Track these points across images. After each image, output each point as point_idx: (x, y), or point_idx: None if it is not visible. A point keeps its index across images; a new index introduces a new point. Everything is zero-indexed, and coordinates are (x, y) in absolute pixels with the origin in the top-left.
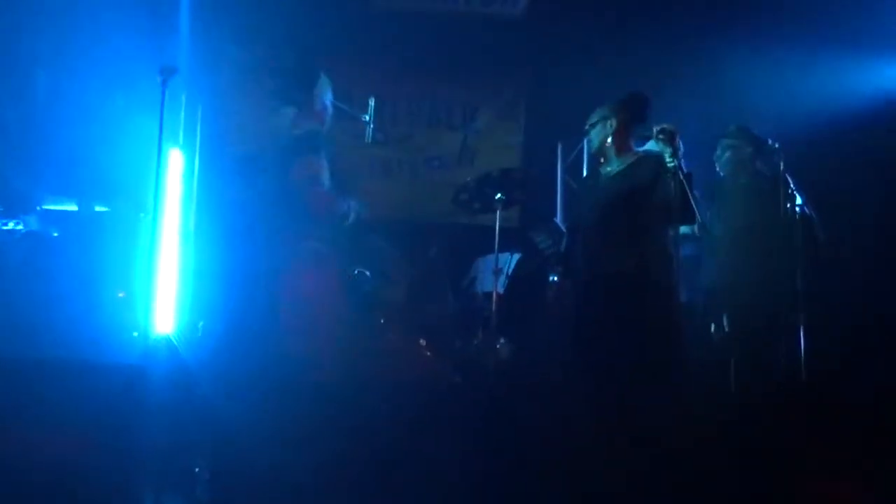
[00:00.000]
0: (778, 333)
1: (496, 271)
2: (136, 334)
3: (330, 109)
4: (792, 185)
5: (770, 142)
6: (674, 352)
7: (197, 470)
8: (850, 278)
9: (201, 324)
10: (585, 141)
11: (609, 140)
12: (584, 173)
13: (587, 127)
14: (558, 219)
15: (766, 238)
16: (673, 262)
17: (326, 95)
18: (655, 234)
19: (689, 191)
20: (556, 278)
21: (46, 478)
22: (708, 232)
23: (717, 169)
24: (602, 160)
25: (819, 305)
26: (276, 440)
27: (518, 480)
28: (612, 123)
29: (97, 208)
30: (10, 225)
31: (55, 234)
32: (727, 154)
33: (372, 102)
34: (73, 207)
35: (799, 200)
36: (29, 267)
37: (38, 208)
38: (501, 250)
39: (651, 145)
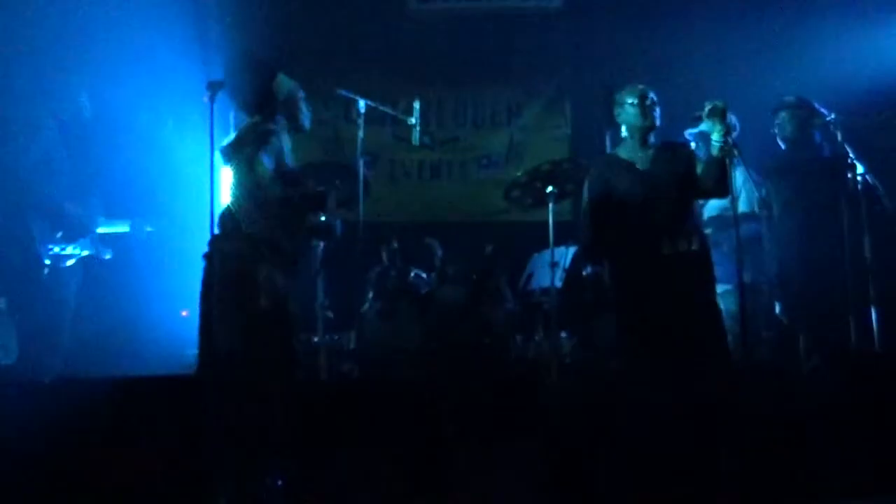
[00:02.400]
0: (848, 308)
1: (553, 265)
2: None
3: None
4: (852, 156)
5: (828, 113)
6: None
7: (268, 480)
8: None
9: None
10: (622, 114)
11: (647, 121)
12: (606, 156)
13: (634, 97)
14: None
15: (831, 211)
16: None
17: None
18: (693, 214)
19: (727, 166)
20: (589, 269)
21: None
22: (769, 208)
23: (779, 141)
24: (631, 144)
25: (889, 277)
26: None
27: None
28: (657, 106)
29: (147, 228)
30: (69, 250)
31: (108, 257)
32: (790, 126)
33: (417, 105)
34: (126, 228)
35: (860, 170)
36: (90, 290)
37: (93, 232)
38: (557, 244)
39: (703, 124)
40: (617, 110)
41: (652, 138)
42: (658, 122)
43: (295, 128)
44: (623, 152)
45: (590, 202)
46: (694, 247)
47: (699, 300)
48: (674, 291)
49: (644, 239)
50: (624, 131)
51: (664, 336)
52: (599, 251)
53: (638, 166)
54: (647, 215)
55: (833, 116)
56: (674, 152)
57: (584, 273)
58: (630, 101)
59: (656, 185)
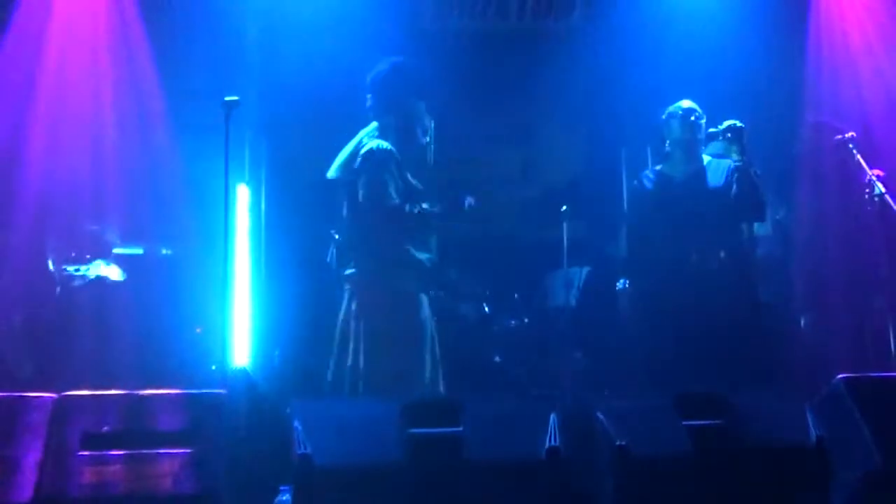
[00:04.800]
0: (865, 320)
1: (567, 285)
2: (214, 367)
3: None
4: (869, 173)
5: (843, 131)
6: (762, 350)
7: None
8: None
9: (277, 353)
10: (665, 130)
11: (690, 137)
12: (646, 172)
13: (672, 117)
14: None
15: (846, 226)
16: (752, 260)
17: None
18: (732, 231)
19: (758, 187)
20: (626, 283)
21: None
22: (784, 229)
23: (796, 163)
24: (673, 158)
25: None
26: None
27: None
28: (698, 120)
29: (164, 251)
30: (83, 270)
31: (124, 277)
32: (807, 148)
33: (431, 124)
34: (140, 251)
35: (878, 190)
36: (105, 308)
37: (109, 253)
38: (571, 263)
39: (718, 143)
40: (662, 125)
41: (696, 154)
42: (701, 137)
43: (409, 136)
44: (665, 167)
45: (629, 217)
46: (727, 261)
47: (734, 315)
48: (705, 306)
49: (678, 253)
50: (668, 146)
51: (693, 357)
52: (636, 265)
53: (679, 181)
54: (684, 230)
55: (850, 133)
56: (716, 168)
57: (617, 287)
58: (674, 116)
59: (696, 201)
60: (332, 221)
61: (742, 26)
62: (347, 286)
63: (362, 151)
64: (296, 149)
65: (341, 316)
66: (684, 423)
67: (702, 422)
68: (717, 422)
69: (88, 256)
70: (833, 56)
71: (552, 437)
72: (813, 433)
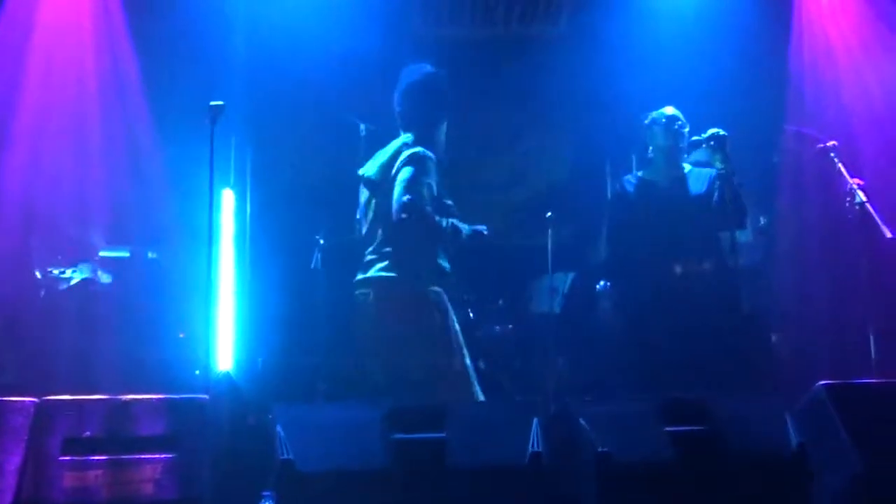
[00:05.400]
0: (846, 328)
1: (551, 291)
2: (198, 372)
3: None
4: (850, 182)
5: (825, 140)
6: (744, 357)
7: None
8: None
9: (261, 359)
10: (648, 138)
11: (673, 144)
12: (627, 177)
13: (655, 124)
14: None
15: (828, 237)
16: (735, 267)
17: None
18: (714, 239)
19: (740, 195)
20: (607, 284)
21: None
22: (767, 237)
23: (777, 172)
24: (656, 164)
25: (884, 304)
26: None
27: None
28: (682, 128)
29: (150, 255)
30: (68, 273)
31: (109, 280)
32: (788, 157)
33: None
34: (126, 254)
35: (859, 199)
36: (90, 312)
37: (95, 256)
38: (556, 269)
39: (701, 151)
40: (645, 131)
41: (677, 161)
42: (683, 146)
43: (437, 147)
44: (647, 173)
45: (609, 220)
46: (708, 268)
47: (716, 321)
48: (687, 312)
49: (659, 259)
50: (650, 152)
51: (670, 363)
52: (615, 268)
53: (660, 187)
54: (665, 236)
55: (833, 143)
56: (698, 176)
57: (597, 288)
58: (657, 122)
59: (677, 207)
60: (317, 227)
61: (726, 36)
62: (367, 289)
63: (406, 154)
64: (281, 154)
65: (364, 318)
66: (667, 429)
67: (684, 428)
68: (699, 428)
69: (74, 259)
70: (815, 65)
71: (535, 443)
72: (794, 440)
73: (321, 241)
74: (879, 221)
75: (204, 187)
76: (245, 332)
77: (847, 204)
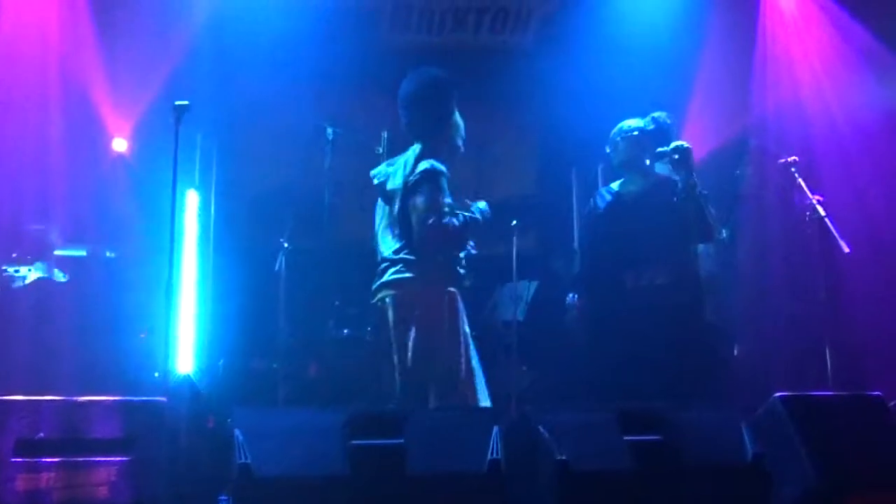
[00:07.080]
0: (803, 340)
1: (515, 299)
2: (157, 374)
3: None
4: (810, 197)
5: (786, 155)
6: (703, 368)
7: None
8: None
9: (221, 362)
10: (612, 150)
11: (637, 155)
12: (601, 191)
13: (619, 137)
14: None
15: (788, 251)
16: (699, 279)
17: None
18: (680, 251)
19: (705, 208)
20: (574, 297)
21: None
22: (728, 249)
23: (739, 185)
24: (624, 177)
25: (840, 318)
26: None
27: None
28: (646, 139)
29: (108, 254)
30: (23, 271)
31: (65, 279)
32: (748, 170)
33: (385, 135)
34: (83, 253)
35: (818, 214)
36: (45, 311)
37: (51, 254)
38: (520, 277)
39: (665, 164)
40: (609, 145)
41: (646, 170)
42: (647, 155)
43: (453, 149)
44: (618, 186)
45: (582, 235)
46: (673, 280)
47: (681, 333)
48: (653, 323)
49: (623, 271)
50: (618, 167)
51: (635, 373)
52: (585, 281)
53: (630, 199)
54: (630, 248)
55: (793, 157)
56: (664, 187)
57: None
58: (620, 135)
59: (645, 220)
60: (280, 230)
61: (691, 51)
62: (385, 292)
63: (421, 168)
64: (247, 155)
65: (382, 321)
66: (626, 438)
67: (643, 437)
68: (657, 438)
69: (30, 257)
70: (778, 82)
71: (494, 450)
72: (750, 450)
73: (285, 245)
74: (838, 236)
75: (168, 187)
76: (206, 335)
77: (807, 219)
